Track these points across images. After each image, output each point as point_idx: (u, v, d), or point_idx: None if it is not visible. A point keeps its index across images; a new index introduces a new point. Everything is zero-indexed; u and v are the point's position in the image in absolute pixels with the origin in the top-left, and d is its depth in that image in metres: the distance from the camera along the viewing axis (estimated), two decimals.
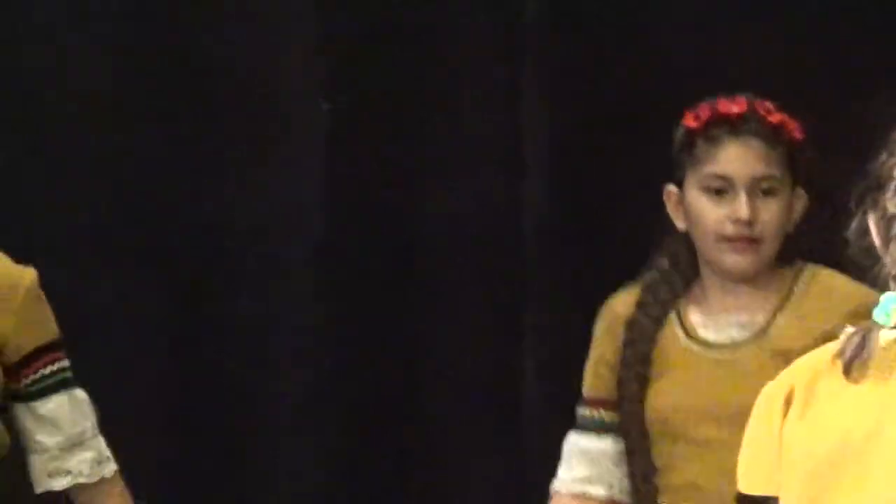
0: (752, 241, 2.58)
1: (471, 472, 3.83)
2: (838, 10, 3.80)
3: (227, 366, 3.90)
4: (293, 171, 3.89)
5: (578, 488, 2.71)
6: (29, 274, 2.62)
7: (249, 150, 3.95)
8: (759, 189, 2.59)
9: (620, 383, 2.66)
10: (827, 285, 2.60)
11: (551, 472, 2.81)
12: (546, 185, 3.94)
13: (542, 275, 3.93)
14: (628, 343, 2.67)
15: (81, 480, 2.59)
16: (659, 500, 2.66)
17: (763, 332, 2.61)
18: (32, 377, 2.60)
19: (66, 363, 2.64)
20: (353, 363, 3.92)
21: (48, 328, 2.63)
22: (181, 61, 4.03)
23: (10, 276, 2.60)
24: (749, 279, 2.60)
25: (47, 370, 2.62)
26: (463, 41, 3.99)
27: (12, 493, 2.71)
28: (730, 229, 2.57)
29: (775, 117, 2.66)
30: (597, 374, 2.73)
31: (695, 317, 2.65)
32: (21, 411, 2.60)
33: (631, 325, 2.67)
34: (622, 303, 2.71)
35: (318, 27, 3.97)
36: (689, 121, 2.67)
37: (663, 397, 2.64)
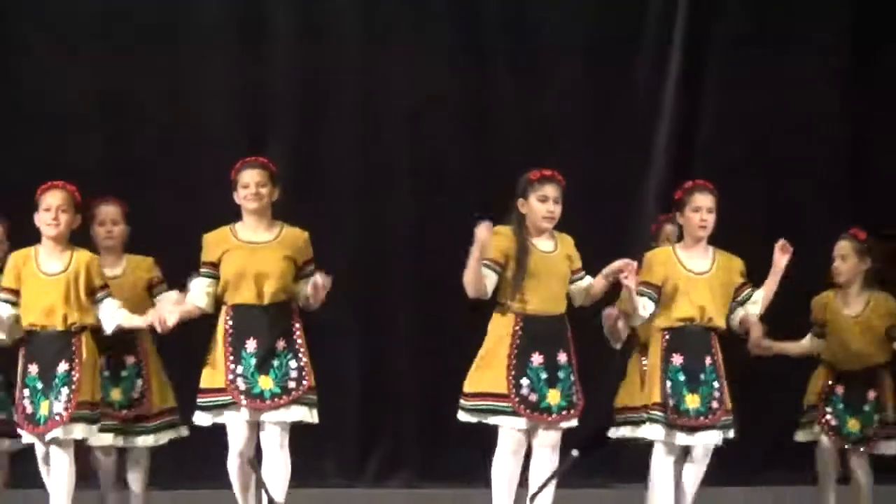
0: (553, 219, 6.89)
1: None
2: None
3: None
4: None
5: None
6: (305, 233, 7.02)
7: None
8: (556, 201, 6.87)
9: (518, 256, 6.82)
10: (561, 235, 6.99)
11: None
12: None
13: None
14: (521, 242, 6.86)
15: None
16: (518, 304, 6.86)
17: (556, 247, 6.97)
18: (305, 270, 6.95)
19: (313, 266, 6.93)
20: None
21: (310, 253, 6.98)
22: None
23: (297, 233, 7.01)
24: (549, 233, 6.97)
25: (309, 268, 6.96)
26: None
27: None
28: (548, 215, 6.88)
29: (558, 175, 6.90)
30: (498, 249, 6.83)
31: (535, 241, 6.91)
32: (300, 284, 6.96)
33: (518, 236, 6.87)
34: (505, 229, 6.87)
35: None
36: (532, 175, 6.91)
37: (529, 261, 6.85)
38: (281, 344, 7.03)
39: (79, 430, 6.93)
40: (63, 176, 7.14)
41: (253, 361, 6.98)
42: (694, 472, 7.29)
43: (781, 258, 7.17)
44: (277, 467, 7.08)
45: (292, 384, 7.00)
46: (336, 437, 9.58)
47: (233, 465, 7.11)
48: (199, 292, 6.98)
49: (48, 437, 6.89)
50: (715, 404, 7.04)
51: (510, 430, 6.91)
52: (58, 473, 6.95)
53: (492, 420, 6.96)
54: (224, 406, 6.98)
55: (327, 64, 9.85)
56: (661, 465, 7.19)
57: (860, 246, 7.64)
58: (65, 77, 9.70)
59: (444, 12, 9.85)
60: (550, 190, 6.97)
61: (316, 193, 9.50)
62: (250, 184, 7.00)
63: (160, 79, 9.78)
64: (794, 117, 9.79)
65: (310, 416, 7.08)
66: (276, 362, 6.99)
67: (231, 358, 6.96)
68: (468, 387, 6.97)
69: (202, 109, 9.78)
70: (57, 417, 6.89)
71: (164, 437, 7.47)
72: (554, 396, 6.98)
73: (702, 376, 7.10)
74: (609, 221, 9.30)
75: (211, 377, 6.97)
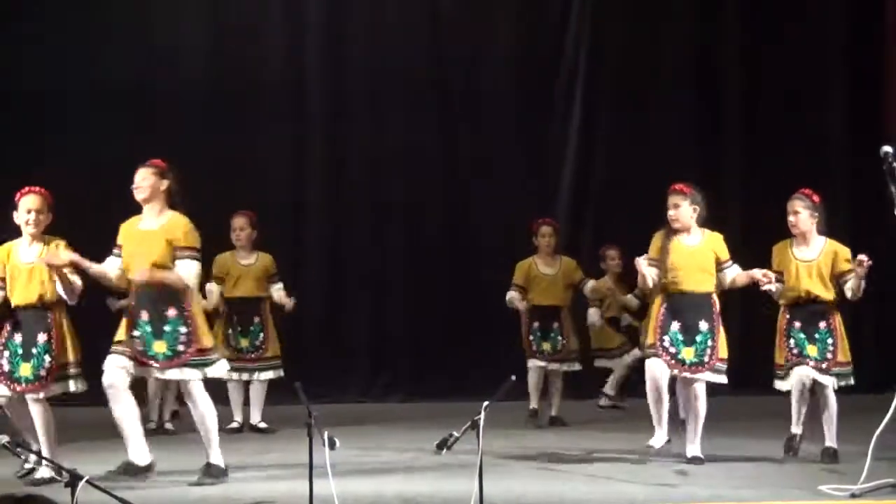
0: (675, 221, 8.35)
1: None
2: None
3: None
4: None
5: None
6: (185, 219, 7.59)
7: None
8: (674, 207, 8.38)
9: (661, 250, 8.27)
10: (711, 233, 8.40)
11: None
12: None
13: None
14: (664, 243, 8.26)
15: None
16: (668, 285, 8.28)
17: (702, 242, 8.40)
18: (181, 254, 7.56)
19: (189, 252, 7.58)
20: None
21: (188, 240, 7.58)
22: None
23: (179, 221, 7.54)
24: (698, 230, 8.50)
25: (184, 253, 7.60)
26: None
27: None
28: (672, 218, 8.36)
29: (677, 187, 8.38)
30: (654, 248, 8.32)
31: (680, 237, 8.30)
32: (178, 263, 7.58)
33: (664, 238, 8.30)
34: (661, 231, 8.34)
35: None
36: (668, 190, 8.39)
37: (673, 256, 8.27)
38: (171, 312, 7.57)
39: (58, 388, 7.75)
40: None
41: (148, 329, 7.62)
42: (823, 406, 8.35)
43: (860, 270, 8.14)
44: (196, 418, 7.71)
45: (181, 347, 7.58)
46: (352, 368, 12.84)
47: (112, 401, 7.59)
48: (111, 265, 7.75)
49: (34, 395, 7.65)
50: (828, 355, 8.28)
51: (651, 368, 8.30)
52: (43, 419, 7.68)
53: (648, 362, 8.39)
54: (120, 354, 7.61)
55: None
56: (793, 398, 8.33)
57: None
58: None
59: (426, 85, 13.10)
60: (672, 199, 8.33)
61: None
62: (135, 180, 7.69)
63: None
64: (659, 160, 12.38)
65: (200, 374, 7.65)
66: (167, 328, 7.58)
67: (131, 325, 7.67)
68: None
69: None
70: (39, 381, 7.64)
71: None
72: (688, 353, 8.22)
73: (817, 336, 8.32)
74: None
75: (119, 333, 7.70)
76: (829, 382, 8.26)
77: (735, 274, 8.34)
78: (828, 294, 8.31)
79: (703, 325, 8.22)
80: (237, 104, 12.74)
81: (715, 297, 8.35)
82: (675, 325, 8.25)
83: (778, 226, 8.66)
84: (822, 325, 8.31)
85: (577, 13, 13.14)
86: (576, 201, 13.06)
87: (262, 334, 10.27)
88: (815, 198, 8.37)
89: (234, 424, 10.32)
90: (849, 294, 8.31)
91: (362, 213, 13.04)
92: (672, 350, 8.25)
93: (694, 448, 8.35)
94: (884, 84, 12.89)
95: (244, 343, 10.28)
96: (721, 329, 8.30)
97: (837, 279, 8.32)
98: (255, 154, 12.69)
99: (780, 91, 13.00)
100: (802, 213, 8.31)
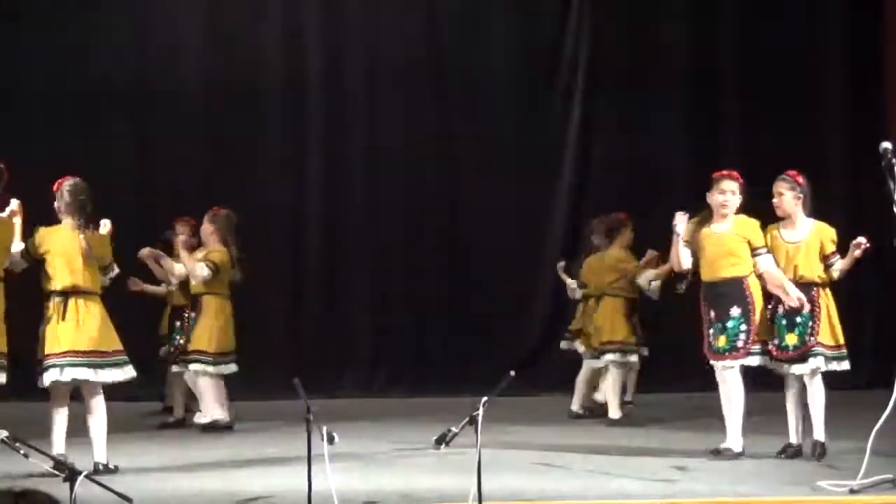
0: (726, 207, 8.32)
1: None
2: None
3: None
4: None
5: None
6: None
7: None
8: (732, 192, 8.34)
9: (692, 234, 8.31)
10: (742, 220, 8.36)
11: None
12: None
13: None
14: (696, 229, 8.30)
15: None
16: (703, 273, 8.37)
17: (730, 228, 8.31)
18: None
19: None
20: None
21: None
22: None
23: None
24: (730, 217, 8.41)
25: None
26: None
27: None
28: (723, 203, 8.34)
29: (734, 174, 8.33)
30: (688, 233, 8.33)
31: (715, 224, 8.32)
32: None
33: (697, 225, 8.28)
34: (693, 219, 8.33)
35: None
36: (714, 174, 8.31)
37: (703, 241, 8.32)
38: None
39: None
40: None
41: None
42: (810, 394, 8.19)
43: (856, 250, 8.13)
44: None
45: None
46: (351, 363, 12.91)
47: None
48: None
49: None
50: (807, 339, 8.14)
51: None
52: None
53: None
54: None
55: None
56: (788, 406, 8.28)
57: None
58: None
59: (424, 83, 13.18)
60: (726, 185, 8.28)
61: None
62: None
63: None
64: (658, 158, 12.86)
65: None
66: None
67: None
68: None
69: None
70: None
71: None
72: (721, 341, 8.21)
73: (798, 319, 8.18)
74: (531, 222, 12.80)
75: None
76: (814, 365, 8.10)
77: (761, 268, 8.23)
78: (814, 274, 8.24)
79: (735, 311, 8.19)
80: (236, 104, 12.77)
81: (749, 280, 8.25)
82: (711, 315, 8.26)
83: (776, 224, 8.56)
84: (806, 308, 8.17)
85: (577, 10, 13.22)
86: (575, 198, 13.08)
87: (193, 329, 9.95)
88: (800, 179, 8.32)
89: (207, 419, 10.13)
90: (835, 275, 8.27)
91: (362, 210, 13.08)
92: (711, 342, 8.28)
93: (728, 440, 8.29)
94: (884, 84, 12.96)
95: (181, 338, 10.20)
96: (757, 312, 8.20)
97: (824, 260, 8.27)
98: (254, 154, 12.73)
99: (778, 90, 13.05)
100: (786, 195, 8.28)
